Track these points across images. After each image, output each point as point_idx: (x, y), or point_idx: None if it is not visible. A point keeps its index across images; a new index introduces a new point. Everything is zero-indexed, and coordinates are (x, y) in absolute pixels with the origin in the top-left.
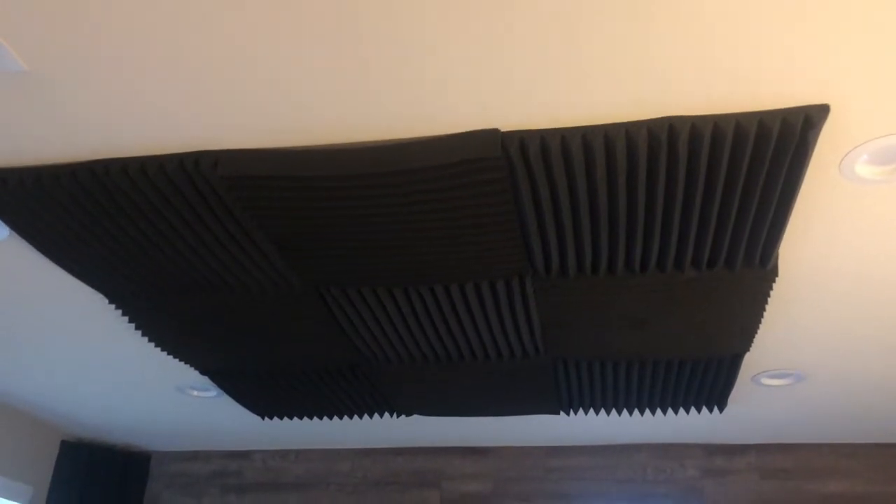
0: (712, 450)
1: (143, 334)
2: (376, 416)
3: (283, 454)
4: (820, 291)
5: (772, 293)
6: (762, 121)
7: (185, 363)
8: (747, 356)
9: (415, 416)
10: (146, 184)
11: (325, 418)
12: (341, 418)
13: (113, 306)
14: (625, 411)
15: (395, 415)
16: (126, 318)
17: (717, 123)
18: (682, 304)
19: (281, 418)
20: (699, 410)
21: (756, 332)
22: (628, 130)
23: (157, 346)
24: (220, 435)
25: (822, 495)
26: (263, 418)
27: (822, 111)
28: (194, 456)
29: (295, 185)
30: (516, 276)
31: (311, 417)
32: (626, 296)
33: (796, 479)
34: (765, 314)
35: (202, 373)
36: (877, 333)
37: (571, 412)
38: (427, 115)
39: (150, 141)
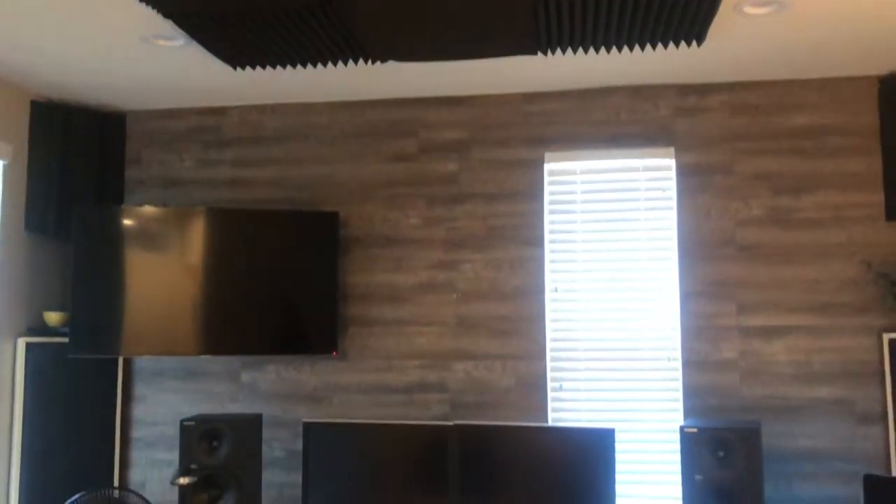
0: (686, 90)
1: None
2: (351, 64)
3: (260, 109)
4: None
5: None
6: None
7: (147, 5)
8: None
9: (390, 65)
10: None
11: (299, 67)
12: (315, 66)
13: None
14: (602, 50)
15: (369, 61)
16: None
17: None
18: None
19: (253, 68)
20: (678, 45)
21: None
22: None
23: None
24: (194, 91)
25: (787, 128)
26: (235, 69)
27: None
28: (170, 114)
29: None
30: None
31: (283, 66)
32: None
33: (765, 115)
34: None
35: (165, 16)
36: None
37: (549, 52)
38: None
39: None
